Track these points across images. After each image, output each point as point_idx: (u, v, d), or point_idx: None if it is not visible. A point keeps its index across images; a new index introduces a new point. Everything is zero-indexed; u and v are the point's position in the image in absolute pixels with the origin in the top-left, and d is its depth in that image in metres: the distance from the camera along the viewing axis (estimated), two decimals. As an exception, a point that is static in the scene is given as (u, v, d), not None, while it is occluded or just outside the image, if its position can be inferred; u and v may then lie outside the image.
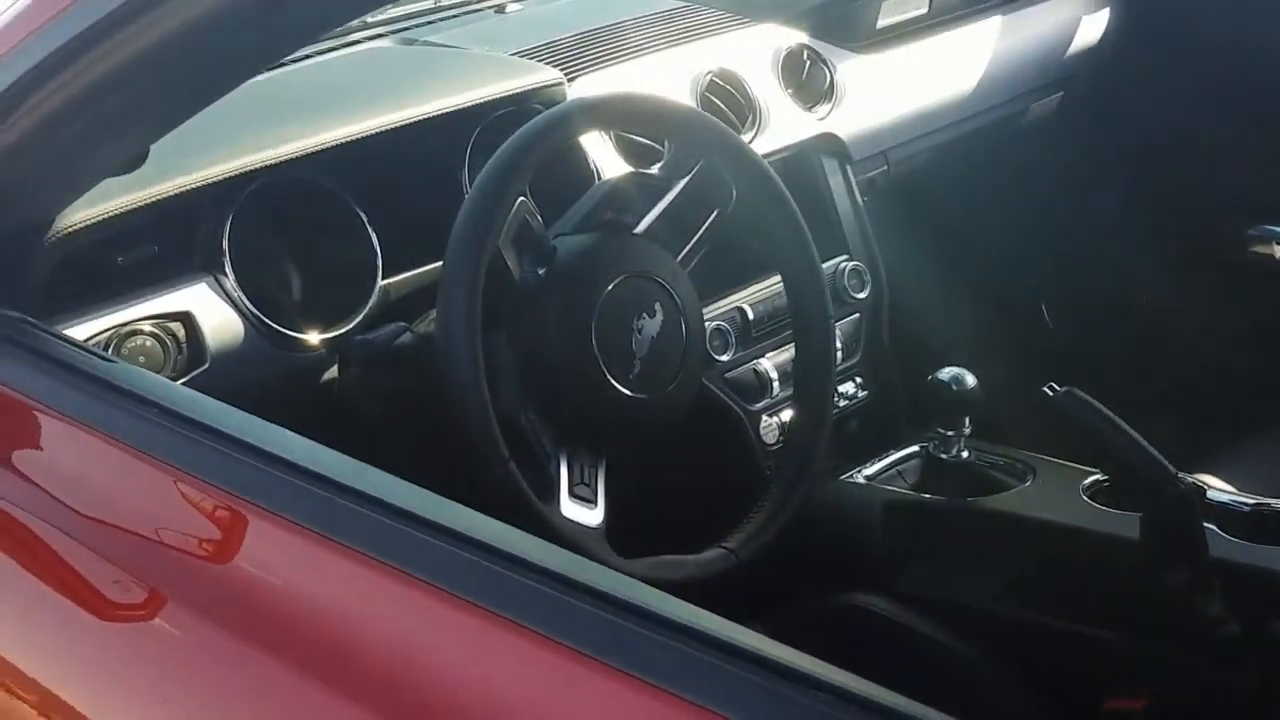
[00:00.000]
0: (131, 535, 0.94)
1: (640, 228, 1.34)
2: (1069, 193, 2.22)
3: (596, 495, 1.26)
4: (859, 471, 1.65)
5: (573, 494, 1.23)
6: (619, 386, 1.26)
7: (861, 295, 1.72)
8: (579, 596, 0.72)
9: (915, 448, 1.66)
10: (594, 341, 1.24)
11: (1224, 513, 1.39)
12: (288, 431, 0.93)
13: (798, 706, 0.62)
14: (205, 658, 0.84)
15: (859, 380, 1.73)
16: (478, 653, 0.73)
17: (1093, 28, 2.12)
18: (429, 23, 1.81)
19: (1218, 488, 1.49)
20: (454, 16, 1.83)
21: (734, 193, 1.37)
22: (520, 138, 1.23)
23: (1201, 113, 2.12)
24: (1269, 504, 1.43)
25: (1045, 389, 1.38)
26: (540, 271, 1.25)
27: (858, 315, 1.73)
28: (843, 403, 1.71)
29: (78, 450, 1.02)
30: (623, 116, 1.39)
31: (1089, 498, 1.49)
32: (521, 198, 1.22)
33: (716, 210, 1.37)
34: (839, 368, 1.60)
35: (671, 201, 1.35)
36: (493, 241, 1.19)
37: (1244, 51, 2.07)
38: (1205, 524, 1.32)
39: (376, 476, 0.86)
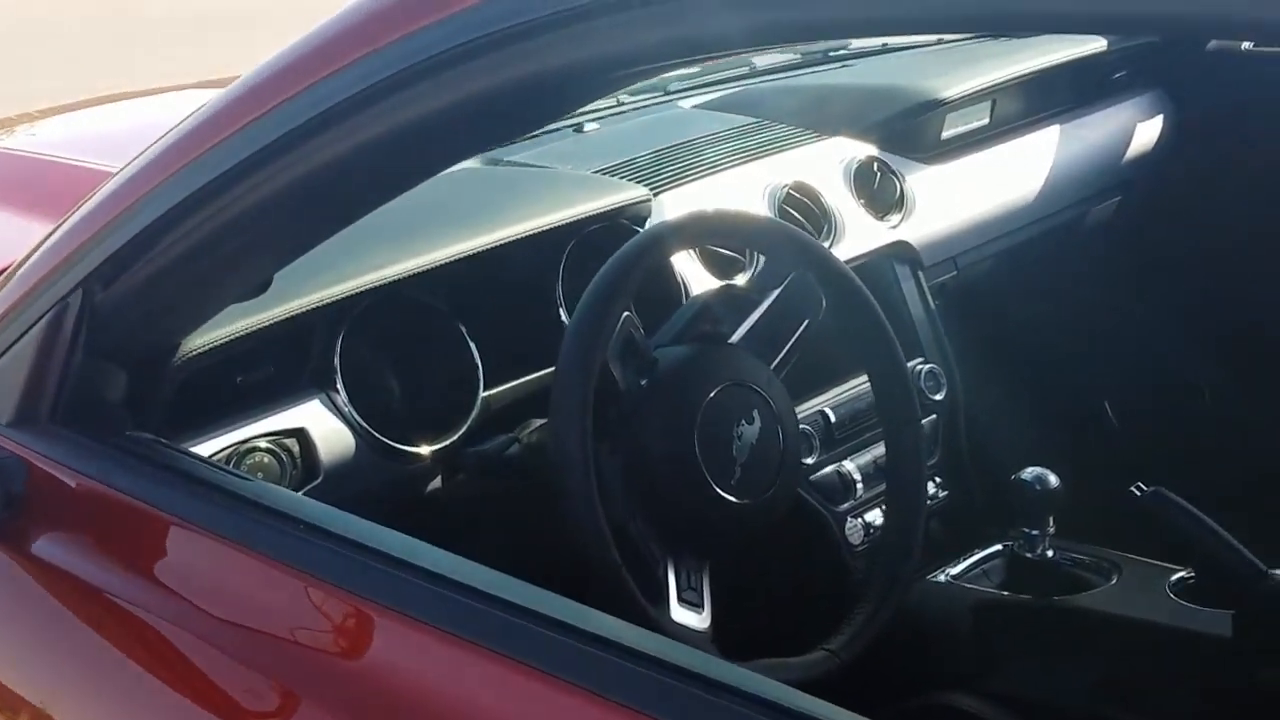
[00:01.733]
0: (269, 638, 0.98)
1: (735, 338, 1.39)
2: (1128, 294, 2.26)
3: (703, 599, 1.29)
4: (943, 571, 1.68)
5: (681, 599, 1.27)
6: (721, 492, 1.30)
7: (939, 397, 1.76)
8: (713, 691, 0.78)
9: (999, 546, 1.68)
10: (697, 447, 1.29)
11: None
12: (415, 540, 0.98)
13: None
14: None
15: (938, 480, 1.77)
16: None
17: (1147, 134, 2.18)
18: (512, 141, 1.87)
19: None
20: (534, 136, 1.90)
21: (823, 303, 1.42)
22: (624, 254, 1.29)
23: (1256, 213, 2.17)
24: (1358, 599, 1.45)
25: (1133, 489, 1.41)
26: (643, 382, 1.30)
27: (935, 416, 1.77)
28: (925, 503, 1.74)
29: (214, 561, 1.07)
30: (718, 232, 1.44)
31: (1175, 595, 1.51)
32: (627, 312, 1.27)
33: (807, 320, 1.42)
34: (919, 469, 1.64)
35: (764, 312, 1.40)
36: (600, 354, 1.24)
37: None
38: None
39: (498, 577, 0.90)
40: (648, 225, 1.62)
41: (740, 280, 1.64)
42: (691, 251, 1.62)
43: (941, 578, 1.67)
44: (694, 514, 1.30)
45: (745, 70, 2.24)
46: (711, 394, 1.31)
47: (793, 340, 1.41)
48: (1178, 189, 2.21)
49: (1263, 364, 2.20)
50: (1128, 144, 2.16)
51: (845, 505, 1.66)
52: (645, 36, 0.84)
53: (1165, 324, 2.28)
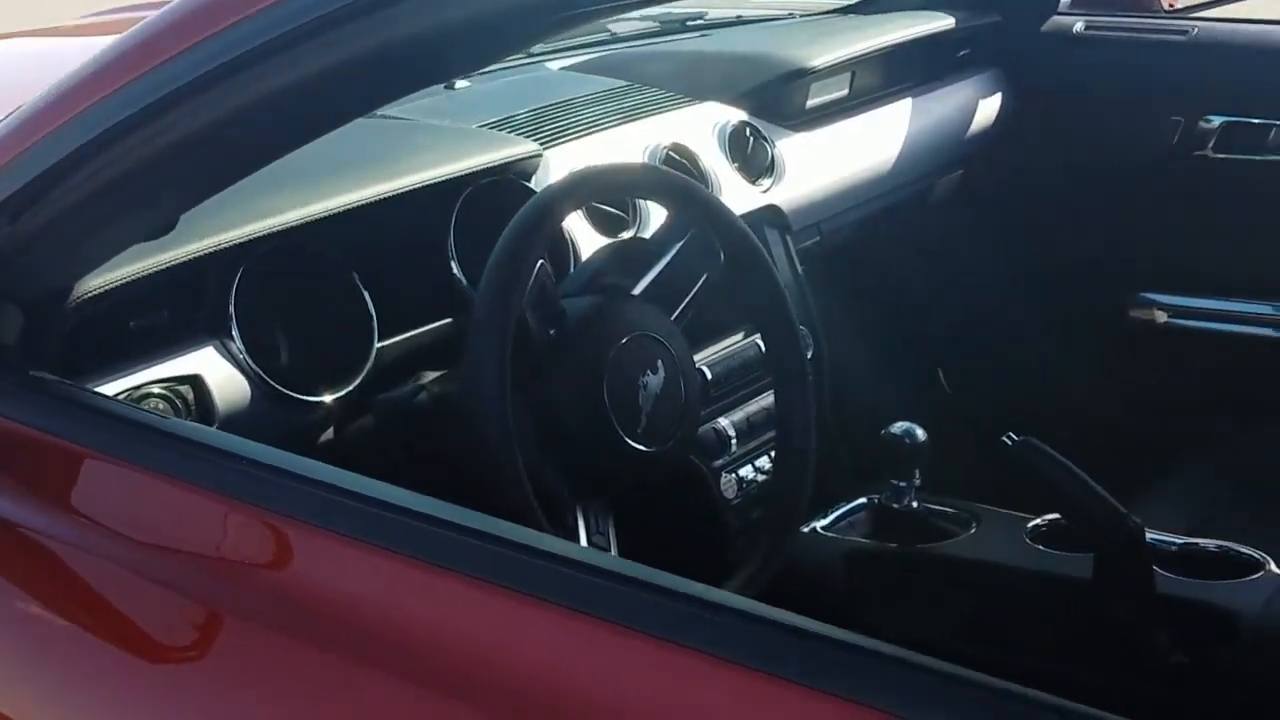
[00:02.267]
0: (189, 559, 0.99)
1: (637, 290, 1.41)
2: (969, 264, 2.37)
3: (610, 544, 1.31)
4: (812, 524, 1.74)
5: (591, 543, 1.29)
6: (629, 439, 1.32)
7: (807, 357, 1.81)
8: (623, 583, 0.84)
9: (865, 499, 1.75)
10: (606, 396, 1.31)
11: (1155, 551, 1.52)
12: (322, 463, 1.01)
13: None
14: (260, 661, 0.90)
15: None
16: (507, 629, 0.83)
17: (988, 110, 2.29)
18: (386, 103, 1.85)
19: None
20: (406, 91, 1.87)
21: (721, 258, 1.46)
22: (541, 201, 1.30)
23: (1085, 192, 2.31)
24: (1197, 542, 1.57)
25: (1004, 438, 1.49)
26: (551, 332, 1.31)
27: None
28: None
29: (130, 489, 1.05)
30: (628, 184, 1.47)
31: (1033, 541, 1.61)
32: (541, 260, 1.28)
33: (706, 274, 1.45)
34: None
35: (666, 266, 1.43)
36: (518, 302, 1.24)
37: (1121, 137, 2.26)
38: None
39: (408, 494, 0.94)
40: (536, 181, 1.63)
41: (625, 236, 1.66)
42: (581, 210, 1.64)
43: (810, 529, 1.74)
44: (603, 461, 1.32)
45: (606, 36, 2.27)
46: (619, 344, 1.33)
47: (692, 294, 1.44)
48: (1014, 164, 2.33)
49: (1087, 332, 2.35)
50: (970, 120, 2.26)
51: (721, 461, 1.70)
52: None
53: (999, 295, 2.40)
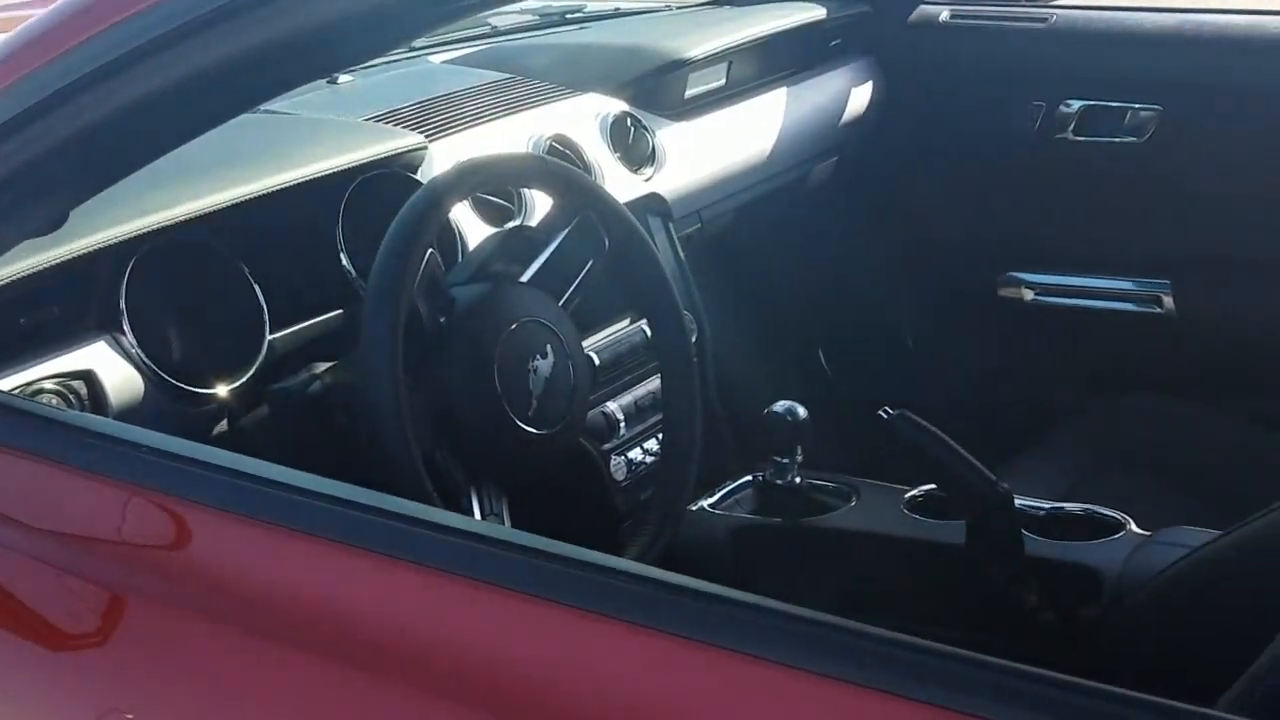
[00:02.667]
0: (88, 544, 1.01)
1: (525, 277, 1.45)
2: (845, 247, 2.45)
3: (505, 524, 1.35)
4: (700, 502, 1.79)
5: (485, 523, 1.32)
6: (520, 423, 1.36)
7: (691, 341, 1.87)
8: (504, 548, 0.88)
9: (750, 477, 1.81)
10: (497, 381, 1.34)
11: (1024, 516, 1.60)
12: (217, 449, 1.04)
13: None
14: (164, 641, 0.93)
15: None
16: (403, 599, 0.87)
17: (860, 98, 2.36)
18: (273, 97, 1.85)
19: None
20: (289, 85, 1.88)
21: (606, 244, 1.50)
22: (428, 191, 1.33)
23: (954, 175, 2.39)
24: (1063, 507, 1.65)
25: (880, 412, 1.56)
26: (442, 319, 1.35)
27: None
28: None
29: (25, 477, 1.07)
30: (514, 173, 1.50)
31: (910, 510, 1.68)
32: (430, 249, 1.31)
33: (591, 261, 1.50)
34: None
35: (553, 253, 1.46)
36: (409, 290, 1.27)
37: (986, 122, 2.35)
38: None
39: (300, 474, 0.97)
40: (423, 172, 1.66)
41: (511, 225, 1.70)
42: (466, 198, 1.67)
43: (698, 508, 1.79)
44: (495, 444, 1.36)
45: (486, 30, 2.30)
46: (508, 330, 1.37)
47: (579, 279, 1.48)
48: (886, 149, 2.41)
49: (959, 311, 2.44)
50: (844, 107, 2.34)
51: (610, 444, 1.75)
52: None
53: (876, 277, 2.48)
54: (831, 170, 2.36)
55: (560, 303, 1.47)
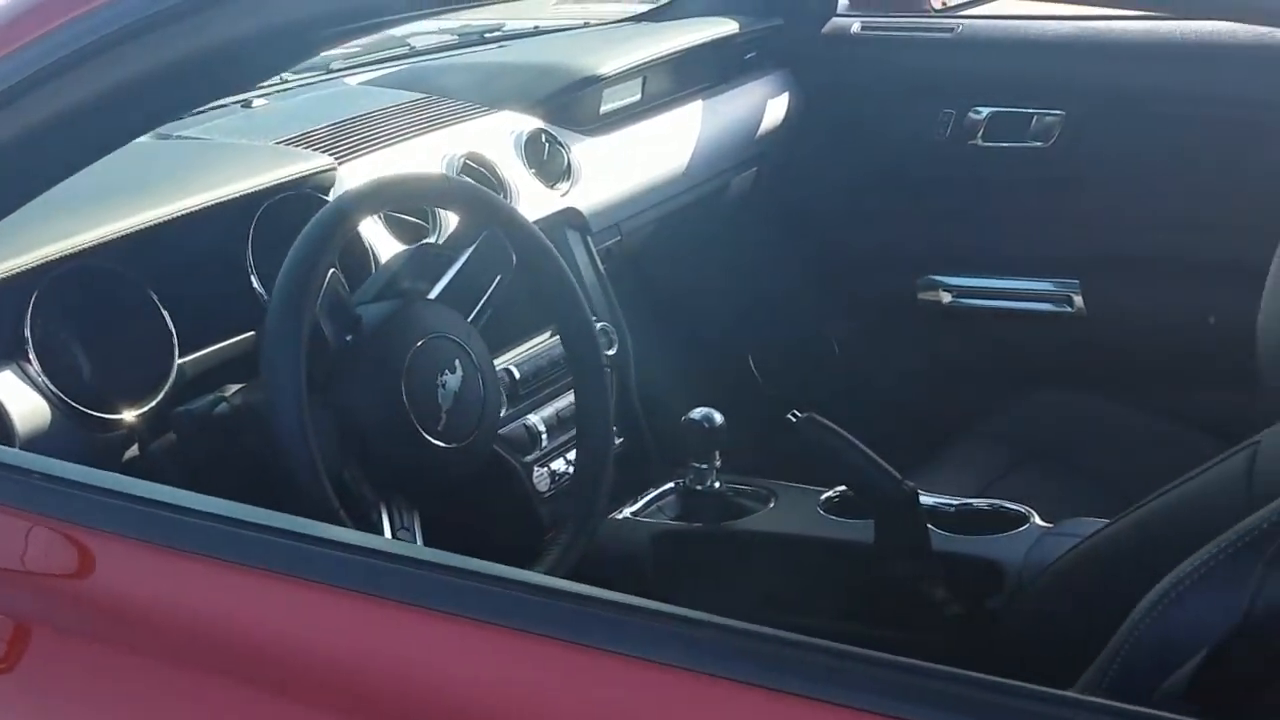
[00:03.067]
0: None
1: (433, 294, 1.47)
2: (767, 258, 2.48)
3: (415, 538, 1.37)
4: (622, 510, 1.82)
5: (395, 538, 1.34)
6: (429, 437, 1.38)
7: (611, 353, 1.90)
8: (418, 566, 0.90)
9: (671, 484, 1.84)
10: (405, 397, 1.37)
11: (932, 513, 1.63)
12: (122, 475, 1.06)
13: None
14: (71, 669, 0.95)
15: (614, 429, 1.90)
16: (311, 619, 0.89)
17: (777, 109, 2.40)
18: (178, 118, 1.87)
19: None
20: (203, 111, 1.90)
21: (514, 258, 1.53)
22: (330, 211, 1.35)
23: (870, 182, 2.43)
24: (971, 503, 1.69)
25: (789, 416, 1.59)
26: (349, 338, 1.37)
27: (608, 370, 1.90)
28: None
29: None
30: (417, 192, 1.53)
31: (825, 511, 1.71)
32: (333, 269, 1.33)
33: (499, 276, 1.52)
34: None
35: (460, 269, 1.49)
36: (310, 311, 1.29)
37: (899, 130, 2.39)
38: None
39: (201, 498, 0.99)
40: (333, 194, 1.68)
41: (418, 244, 1.72)
42: (378, 217, 1.69)
43: (620, 515, 1.82)
44: (405, 459, 1.38)
45: (405, 50, 2.33)
46: (415, 346, 1.39)
47: (487, 294, 1.51)
48: (804, 159, 2.45)
49: (879, 315, 2.48)
50: (760, 119, 2.37)
51: (532, 456, 1.77)
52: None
53: (797, 286, 2.52)
54: (751, 181, 2.40)
55: (469, 318, 1.49)
